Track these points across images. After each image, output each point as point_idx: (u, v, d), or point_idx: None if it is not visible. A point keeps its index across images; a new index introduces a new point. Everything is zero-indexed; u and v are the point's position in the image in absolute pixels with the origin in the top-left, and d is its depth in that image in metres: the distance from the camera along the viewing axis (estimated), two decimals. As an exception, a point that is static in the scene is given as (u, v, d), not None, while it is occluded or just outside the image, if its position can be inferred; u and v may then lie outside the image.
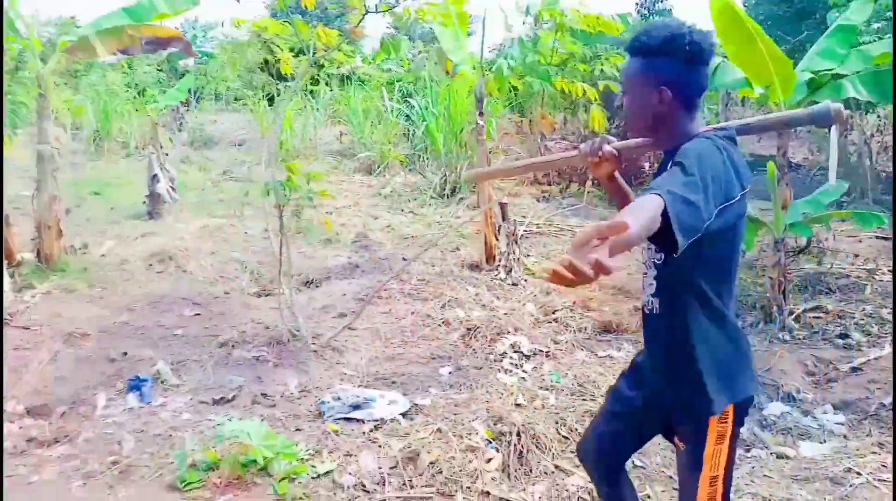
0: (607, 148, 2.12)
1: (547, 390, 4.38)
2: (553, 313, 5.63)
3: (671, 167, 1.76)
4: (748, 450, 3.91)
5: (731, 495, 2.05)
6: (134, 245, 7.36)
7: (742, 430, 2.13)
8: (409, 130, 13.00)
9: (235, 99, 19.37)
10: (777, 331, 5.34)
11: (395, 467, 3.46)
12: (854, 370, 4.73)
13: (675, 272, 1.93)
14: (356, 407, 4.00)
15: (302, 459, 3.46)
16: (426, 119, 11.71)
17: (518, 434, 3.58)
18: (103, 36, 5.94)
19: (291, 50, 5.78)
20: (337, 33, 5.08)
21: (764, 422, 4.31)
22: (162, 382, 4.45)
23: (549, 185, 10.78)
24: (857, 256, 7.38)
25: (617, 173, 2.26)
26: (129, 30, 5.91)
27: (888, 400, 4.25)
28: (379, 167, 12.65)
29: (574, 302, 5.80)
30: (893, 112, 5.34)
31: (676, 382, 2.00)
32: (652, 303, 2.03)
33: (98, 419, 4.16)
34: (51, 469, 3.62)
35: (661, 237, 1.53)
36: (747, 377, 1.98)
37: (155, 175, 9.11)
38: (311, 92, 17.10)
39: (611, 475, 2.32)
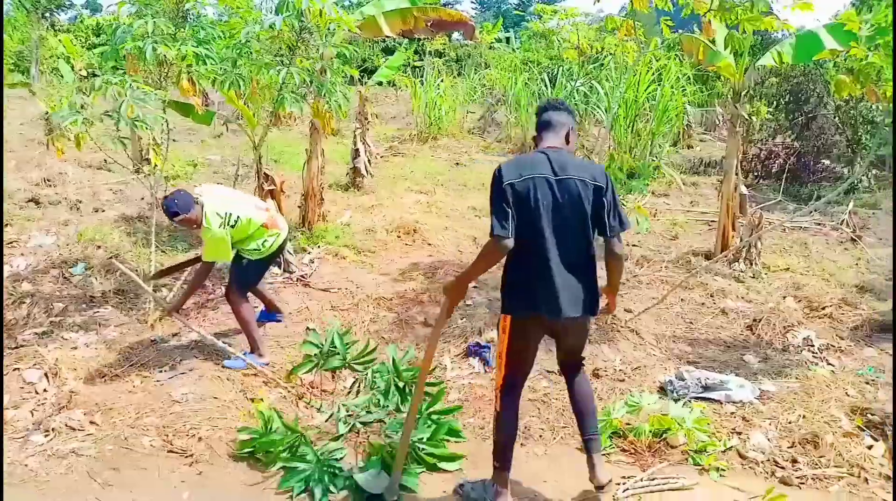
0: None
1: (868, 384, 4.55)
2: (822, 309, 5.76)
3: None
4: None
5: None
6: (369, 216, 7.77)
7: None
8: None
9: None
10: None
11: (793, 446, 3.70)
12: None
13: None
14: (706, 388, 4.25)
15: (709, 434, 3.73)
16: (590, 103, 11.83)
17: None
18: (390, 16, 6.26)
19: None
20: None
21: None
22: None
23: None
24: None
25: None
26: (415, 11, 6.21)
27: None
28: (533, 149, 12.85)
29: (840, 300, 5.91)
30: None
31: None
32: None
33: (452, 379, 4.53)
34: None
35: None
36: (516, 304, 3.03)
37: (357, 149, 9.52)
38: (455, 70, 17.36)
39: None
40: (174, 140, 11.16)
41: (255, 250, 4.51)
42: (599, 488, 3.19)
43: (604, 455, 3.64)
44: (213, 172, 9.41)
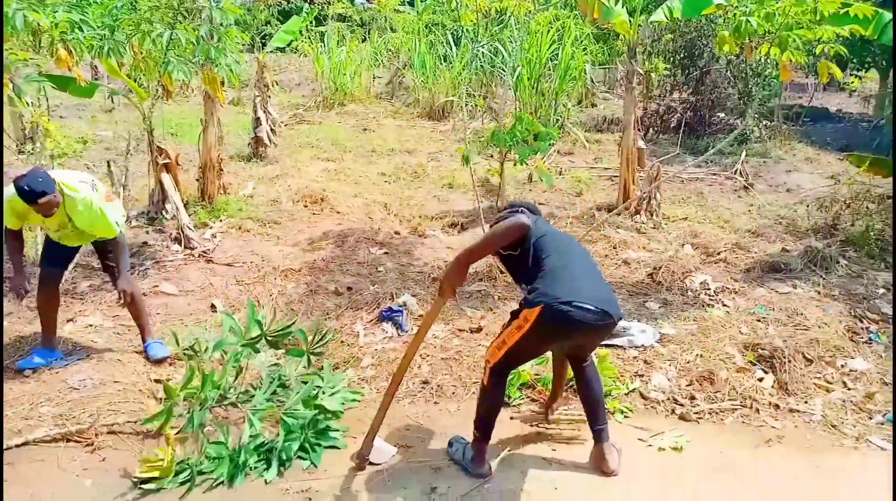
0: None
1: (759, 321, 4.82)
2: (718, 253, 6.04)
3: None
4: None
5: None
6: (274, 186, 7.55)
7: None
8: (473, 76, 13.08)
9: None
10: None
11: (691, 384, 3.89)
12: None
13: None
14: (613, 335, 4.40)
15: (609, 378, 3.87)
16: (496, 64, 11.86)
17: (787, 357, 4.01)
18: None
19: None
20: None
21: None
22: (410, 312, 4.79)
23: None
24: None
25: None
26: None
27: None
28: (443, 112, 12.85)
29: (734, 244, 6.22)
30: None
31: None
32: None
33: (365, 346, 4.51)
34: (364, 388, 3.98)
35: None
36: (542, 301, 2.82)
37: (258, 118, 9.21)
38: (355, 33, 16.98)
39: None
40: (62, 117, 10.55)
41: (122, 217, 4.07)
42: (610, 475, 3.17)
43: (514, 406, 3.75)
44: (104, 148, 8.89)
